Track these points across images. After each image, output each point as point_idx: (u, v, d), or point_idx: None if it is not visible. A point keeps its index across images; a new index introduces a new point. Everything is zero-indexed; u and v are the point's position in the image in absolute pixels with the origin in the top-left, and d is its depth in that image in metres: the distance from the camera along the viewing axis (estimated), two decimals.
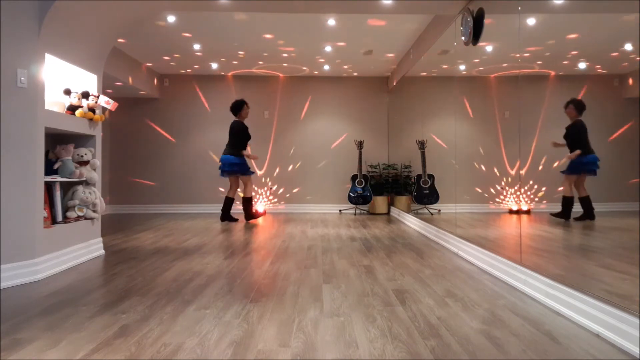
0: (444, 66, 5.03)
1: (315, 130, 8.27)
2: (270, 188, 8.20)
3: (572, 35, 2.82)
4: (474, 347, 1.90)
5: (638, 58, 2.24)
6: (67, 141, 3.82)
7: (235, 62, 7.29)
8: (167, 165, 8.13)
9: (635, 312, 1.84)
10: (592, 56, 2.73)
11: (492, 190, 3.86)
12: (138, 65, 7.14)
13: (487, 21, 3.55)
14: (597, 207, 2.78)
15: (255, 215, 6.54)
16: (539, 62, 3.08)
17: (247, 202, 6.44)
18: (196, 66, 7.53)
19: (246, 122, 6.43)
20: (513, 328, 2.12)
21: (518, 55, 3.15)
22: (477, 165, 4.27)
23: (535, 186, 3.13)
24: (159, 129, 8.15)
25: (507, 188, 3.60)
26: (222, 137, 7.70)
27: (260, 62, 7.27)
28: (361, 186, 7.66)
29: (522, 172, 3.12)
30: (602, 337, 1.98)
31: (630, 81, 2.38)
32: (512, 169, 3.41)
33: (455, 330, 2.10)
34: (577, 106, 2.74)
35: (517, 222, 3.35)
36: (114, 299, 2.62)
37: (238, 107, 6.40)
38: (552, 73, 3.01)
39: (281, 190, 8.22)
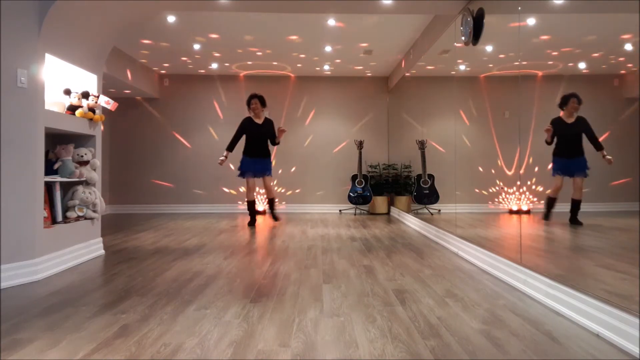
0: (444, 66, 5.03)
1: (314, 130, 8.27)
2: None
3: (573, 35, 2.82)
4: (474, 347, 1.91)
5: (638, 58, 2.24)
6: (67, 141, 3.82)
7: (235, 63, 7.28)
8: (167, 165, 8.12)
9: (635, 312, 1.84)
10: (592, 56, 2.72)
11: (491, 189, 3.85)
12: (138, 65, 7.14)
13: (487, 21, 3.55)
14: (597, 207, 2.78)
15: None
16: (539, 62, 3.07)
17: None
18: (196, 66, 7.53)
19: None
20: (513, 328, 2.12)
21: (518, 55, 3.14)
22: (476, 165, 4.27)
23: (533, 186, 3.13)
24: (158, 129, 8.14)
25: (505, 188, 3.59)
26: (222, 137, 7.71)
27: (260, 63, 7.27)
28: (361, 186, 7.66)
29: (521, 171, 3.12)
30: (602, 337, 1.98)
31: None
32: (511, 168, 3.41)
33: (455, 330, 2.10)
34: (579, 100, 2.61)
35: (517, 222, 3.35)
36: (114, 299, 2.62)
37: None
38: (553, 73, 3.01)
39: (282, 190, 8.21)
